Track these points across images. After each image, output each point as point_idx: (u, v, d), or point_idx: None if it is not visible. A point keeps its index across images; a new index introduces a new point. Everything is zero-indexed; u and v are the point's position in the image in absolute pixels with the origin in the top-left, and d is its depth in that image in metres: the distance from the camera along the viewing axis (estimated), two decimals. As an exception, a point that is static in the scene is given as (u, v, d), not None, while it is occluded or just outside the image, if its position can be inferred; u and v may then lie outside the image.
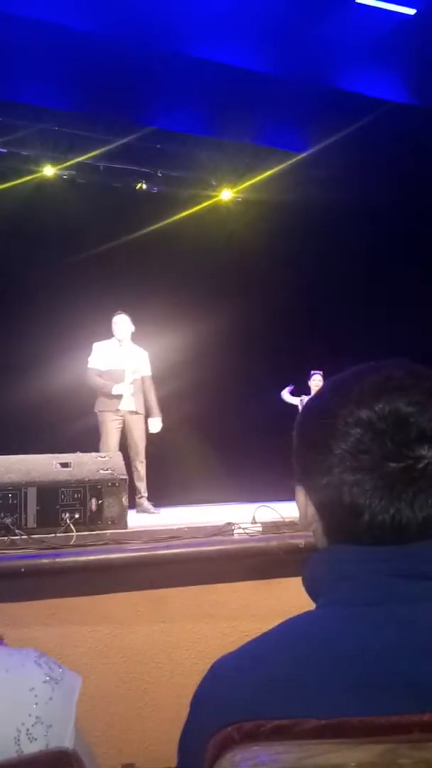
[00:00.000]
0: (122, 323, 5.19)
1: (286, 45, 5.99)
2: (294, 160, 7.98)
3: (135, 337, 5.26)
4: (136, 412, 5.02)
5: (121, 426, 4.96)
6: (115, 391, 4.95)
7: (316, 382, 6.84)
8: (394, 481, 0.61)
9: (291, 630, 0.63)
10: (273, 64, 6.22)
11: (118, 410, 4.96)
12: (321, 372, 6.86)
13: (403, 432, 0.61)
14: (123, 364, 5.09)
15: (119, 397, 4.96)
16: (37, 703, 0.64)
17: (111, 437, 4.89)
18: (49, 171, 7.65)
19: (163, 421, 5.27)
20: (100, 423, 4.99)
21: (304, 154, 7.87)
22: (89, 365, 5.11)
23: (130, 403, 4.99)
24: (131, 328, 5.21)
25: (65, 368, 6.56)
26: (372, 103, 6.55)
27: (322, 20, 5.80)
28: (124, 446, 4.93)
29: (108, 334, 5.25)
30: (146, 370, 5.21)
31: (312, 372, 6.94)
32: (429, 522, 0.61)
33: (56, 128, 7.14)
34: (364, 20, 5.90)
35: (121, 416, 4.97)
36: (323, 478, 0.64)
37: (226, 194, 8.57)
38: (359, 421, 0.63)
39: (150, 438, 5.23)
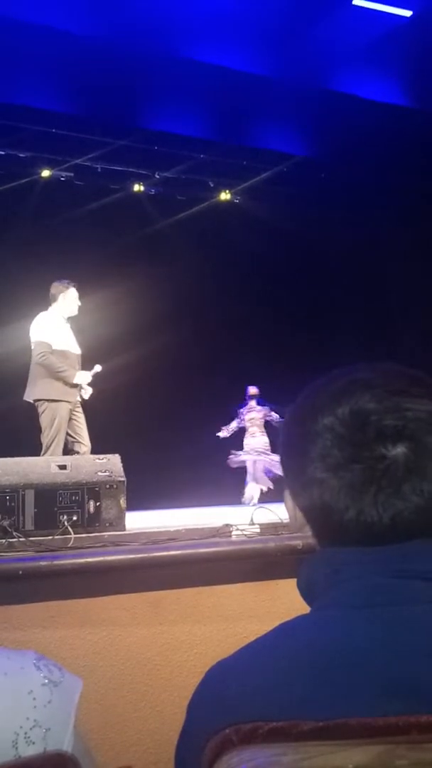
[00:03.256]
0: (77, 298, 4.46)
1: (283, 47, 6.01)
2: (291, 162, 8.00)
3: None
4: (79, 401, 4.39)
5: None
6: (77, 379, 4.27)
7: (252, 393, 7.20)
8: (355, 481, 0.62)
9: (288, 633, 0.63)
10: (270, 66, 6.24)
11: (73, 402, 4.28)
12: (256, 387, 7.23)
13: (362, 434, 0.63)
14: (75, 346, 4.43)
15: (77, 386, 4.30)
16: (35, 707, 0.64)
17: (63, 432, 4.18)
18: (46, 173, 7.65)
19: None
20: (49, 414, 4.18)
21: (301, 156, 7.89)
22: (39, 338, 4.27)
23: (82, 393, 4.37)
24: None
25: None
26: (369, 106, 6.57)
27: (318, 23, 5.81)
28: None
29: (37, 305, 4.51)
30: None
31: (248, 387, 7.27)
32: (399, 521, 0.62)
33: (54, 130, 7.15)
34: (361, 23, 5.91)
35: (71, 408, 4.30)
36: (301, 481, 0.67)
37: (224, 196, 8.58)
38: (324, 427, 0.65)
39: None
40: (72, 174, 7.76)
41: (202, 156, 7.83)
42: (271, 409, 7.20)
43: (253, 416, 7.21)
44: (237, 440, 7.30)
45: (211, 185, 8.42)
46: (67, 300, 4.43)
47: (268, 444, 7.11)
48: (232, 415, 7.34)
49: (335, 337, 7.86)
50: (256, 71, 6.29)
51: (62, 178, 7.75)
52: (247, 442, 7.21)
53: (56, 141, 7.29)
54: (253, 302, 8.32)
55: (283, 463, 0.72)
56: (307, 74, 6.32)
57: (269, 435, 7.15)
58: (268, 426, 7.21)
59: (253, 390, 7.31)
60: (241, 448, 7.23)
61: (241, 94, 6.45)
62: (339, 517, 0.64)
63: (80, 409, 4.39)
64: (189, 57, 6.05)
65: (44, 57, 5.78)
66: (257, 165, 8.16)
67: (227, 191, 8.52)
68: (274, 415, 7.17)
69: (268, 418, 7.20)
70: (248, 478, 7.17)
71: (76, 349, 4.44)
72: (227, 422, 7.43)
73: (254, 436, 7.18)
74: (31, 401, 4.28)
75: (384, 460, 0.62)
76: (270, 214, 8.37)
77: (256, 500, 6.82)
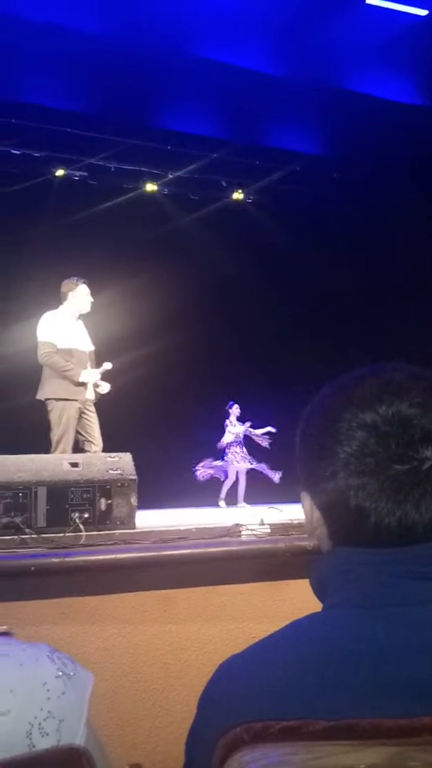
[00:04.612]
0: (88, 295, 4.43)
1: (296, 47, 5.99)
2: (304, 161, 7.97)
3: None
4: (92, 400, 4.36)
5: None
6: (83, 378, 4.23)
7: (234, 412, 7.50)
8: (399, 484, 0.61)
9: (298, 631, 0.63)
10: (283, 65, 6.23)
11: (82, 401, 4.24)
12: (237, 404, 7.51)
13: (407, 434, 0.61)
14: (83, 343, 4.39)
15: (85, 385, 4.26)
16: (49, 698, 0.65)
17: (71, 431, 4.16)
18: (60, 172, 7.69)
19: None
20: (57, 413, 4.18)
21: (314, 156, 7.86)
22: (42, 338, 4.27)
23: (91, 391, 4.31)
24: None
25: None
26: (382, 105, 6.53)
27: (332, 21, 5.79)
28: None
29: (49, 304, 4.49)
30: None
31: (230, 402, 7.54)
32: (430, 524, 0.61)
33: (68, 129, 7.18)
34: (375, 21, 5.88)
35: (80, 406, 4.26)
36: (328, 482, 0.65)
37: (237, 195, 8.57)
38: (363, 425, 0.63)
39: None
40: (86, 173, 7.79)
41: (214, 155, 7.83)
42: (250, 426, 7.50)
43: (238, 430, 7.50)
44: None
45: (224, 185, 8.41)
46: (78, 297, 4.40)
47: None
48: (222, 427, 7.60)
49: (346, 335, 7.82)
50: (269, 70, 6.28)
51: (76, 178, 7.79)
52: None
53: (70, 140, 7.33)
54: (265, 301, 8.31)
55: (304, 463, 0.69)
56: (320, 73, 6.29)
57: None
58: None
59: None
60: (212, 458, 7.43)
61: (254, 94, 6.44)
62: (376, 520, 0.62)
63: (92, 408, 4.37)
64: (202, 56, 6.05)
65: (58, 57, 5.81)
66: (270, 164, 8.14)
67: (240, 190, 8.51)
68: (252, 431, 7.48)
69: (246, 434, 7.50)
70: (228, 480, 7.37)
71: (84, 347, 4.41)
72: (238, 419, 7.58)
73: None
74: (42, 400, 4.31)
75: (427, 461, 0.61)
76: (283, 213, 8.35)
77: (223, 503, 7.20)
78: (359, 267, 8.33)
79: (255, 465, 7.40)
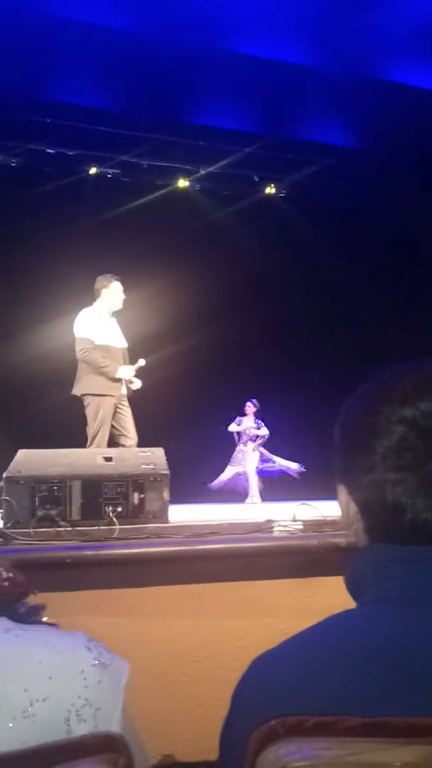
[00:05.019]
0: (121, 292, 4.47)
1: (329, 37, 5.90)
2: (338, 154, 7.85)
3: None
4: (125, 395, 4.41)
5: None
6: (120, 374, 4.29)
7: (250, 409, 7.48)
8: None
9: (332, 628, 0.63)
10: (316, 57, 6.14)
11: (117, 396, 4.29)
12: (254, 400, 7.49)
13: None
14: (118, 340, 4.44)
15: (119, 381, 4.31)
16: (86, 686, 0.66)
17: (107, 426, 4.22)
18: (93, 170, 7.77)
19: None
20: (93, 408, 4.24)
21: (348, 148, 7.74)
22: (80, 335, 4.32)
23: (124, 387, 4.38)
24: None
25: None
26: (419, 94, 6.38)
27: (366, 11, 5.67)
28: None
29: (84, 301, 4.54)
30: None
31: (246, 401, 7.52)
32: None
33: (100, 128, 7.25)
34: (409, 8, 5.74)
35: (116, 402, 4.32)
36: (365, 476, 0.64)
37: (269, 190, 8.51)
38: (403, 419, 0.62)
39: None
40: (118, 171, 7.86)
41: (247, 150, 7.79)
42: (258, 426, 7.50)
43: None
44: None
45: (256, 179, 8.37)
46: (111, 294, 4.45)
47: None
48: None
49: (382, 332, 7.70)
50: (301, 62, 6.20)
51: (109, 175, 7.86)
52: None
53: (103, 138, 7.39)
54: (298, 296, 8.24)
55: (341, 457, 0.69)
56: (354, 64, 6.18)
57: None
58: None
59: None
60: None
61: (285, 86, 6.37)
62: (413, 516, 0.61)
63: (126, 403, 4.42)
64: (234, 50, 6.02)
65: (89, 55, 5.85)
66: (302, 158, 8.05)
67: (272, 185, 8.45)
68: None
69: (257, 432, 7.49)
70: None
71: (120, 344, 4.45)
72: (271, 416, 7.55)
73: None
74: (79, 395, 4.36)
75: None
76: (315, 207, 8.26)
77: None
78: (394, 263, 8.17)
79: (260, 465, 7.35)
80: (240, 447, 7.47)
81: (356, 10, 5.67)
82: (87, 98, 6.68)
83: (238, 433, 7.53)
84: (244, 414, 7.54)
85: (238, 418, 7.54)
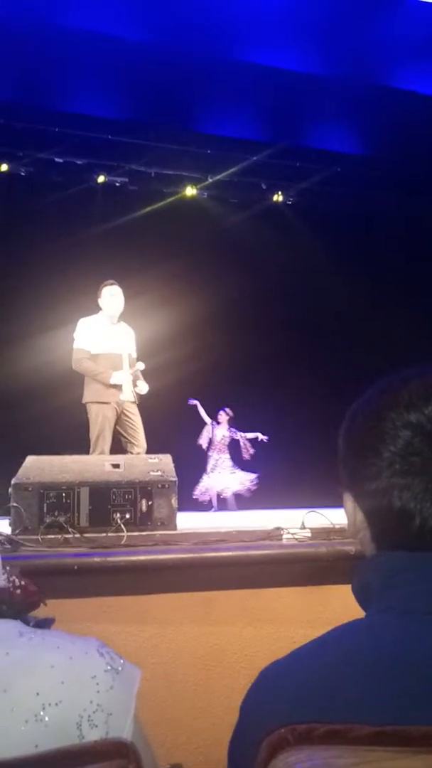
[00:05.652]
0: (118, 296, 4.48)
1: (337, 45, 5.93)
2: (345, 161, 7.86)
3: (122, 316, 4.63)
4: (133, 402, 4.39)
5: (116, 419, 4.32)
6: (113, 380, 4.27)
7: (223, 417, 7.56)
8: None
9: (341, 637, 0.63)
10: (324, 65, 6.17)
11: (118, 402, 4.28)
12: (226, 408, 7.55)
13: None
14: (118, 346, 4.42)
15: (118, 387, 4.29)
16: (98, 691, 0.66)
17: (107, 432, 4.23)
18: (101, 179, 7.83)
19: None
20: (93, 415, 4.29)
21: (356, 156, 7.75)
22: (76, 345, 4.37)
23: (129, 392, 4.32)
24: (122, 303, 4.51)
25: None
26: (427, 101, 6.39)
27: (373, 18, 5.70)
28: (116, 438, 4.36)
29: (91, 309, 4.56)
30: (134, 352, 4.58)
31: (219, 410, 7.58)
32: None
33: (108, 136, 7.31)
34: (418, 16, 5.76)
35: (117, 408, 4.31)
36: (372, 482, 0.64)
37: (277, 197, 8.54)
38: (409, 424, 0.62)
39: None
40: (126, 179, 7.91)
41: (254, 158, 7.82)
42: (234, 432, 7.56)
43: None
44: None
45: (264, 187, 8.39)
46: (104, 301, 4.51)
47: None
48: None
49: (390, 337, 7.67)
50: (310, 70, 6.23)
51: (117, 184, 7.91)
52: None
53: (111, 147, 7.45)
54: (308, 303, 8.24)
55: (347, 463, 0.69)
56: (362, 71, 6.21)
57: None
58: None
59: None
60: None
61: (293, 94, 6.40)
62: (421, 522, 0.60)
63: (135, 410, 4.43)
64: (241, 59, 6.06)
65: (97, 64, 5.91)
66: (311, 166, 8.08)
67: (280, 193, 8.47)
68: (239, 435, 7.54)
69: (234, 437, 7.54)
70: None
71: (119, 350, 4.43)
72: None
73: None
74: (83, 403, 4.44)
75: None
76: (324, 215, 8.27)
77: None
78: (402, 271, 8.16)
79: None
80: (213, 455, 7.46)
81: (364, 19, 5.70)
82: (95, 107, 6.74)
83: (210, 441, 7.55)
84: (218, 423, 7.58)
85: (208, 427, 7.56)
